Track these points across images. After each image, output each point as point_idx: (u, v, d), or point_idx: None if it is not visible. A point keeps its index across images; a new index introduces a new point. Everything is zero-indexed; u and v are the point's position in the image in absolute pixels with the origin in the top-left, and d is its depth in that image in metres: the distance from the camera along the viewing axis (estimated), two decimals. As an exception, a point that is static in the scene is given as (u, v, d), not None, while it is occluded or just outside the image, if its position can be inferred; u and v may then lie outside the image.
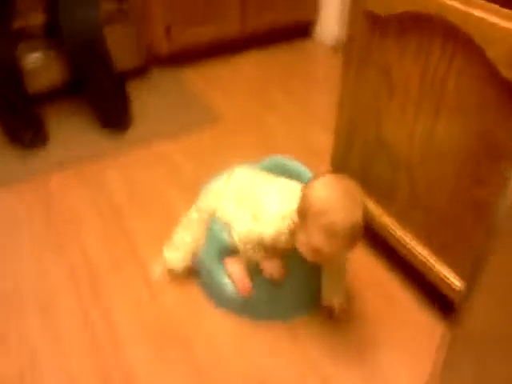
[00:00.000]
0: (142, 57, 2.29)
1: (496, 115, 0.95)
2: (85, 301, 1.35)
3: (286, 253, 1.17)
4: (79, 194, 1.71)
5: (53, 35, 1.95)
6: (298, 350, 1.24)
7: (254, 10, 2.45)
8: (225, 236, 1.23)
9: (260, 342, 1.26)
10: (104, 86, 1.95)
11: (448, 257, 1.18)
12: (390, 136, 1.23)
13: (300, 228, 1.05)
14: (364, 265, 1.45)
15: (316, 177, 1.06)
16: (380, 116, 1.24)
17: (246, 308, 1.30)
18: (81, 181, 1.76)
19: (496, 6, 0.89)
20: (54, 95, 2.09)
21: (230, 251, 1.24)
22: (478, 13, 0.91)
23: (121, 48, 2.07)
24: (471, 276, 1.07)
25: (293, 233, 1.09)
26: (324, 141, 1.83)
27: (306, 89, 2.37)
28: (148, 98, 2.20)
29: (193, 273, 1.39)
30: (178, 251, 1.35)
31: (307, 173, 1.33)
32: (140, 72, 2.32)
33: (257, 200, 1.20)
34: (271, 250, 1.17)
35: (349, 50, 1.28)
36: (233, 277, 1.27)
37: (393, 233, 1.31)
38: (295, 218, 1.06)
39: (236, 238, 1.18)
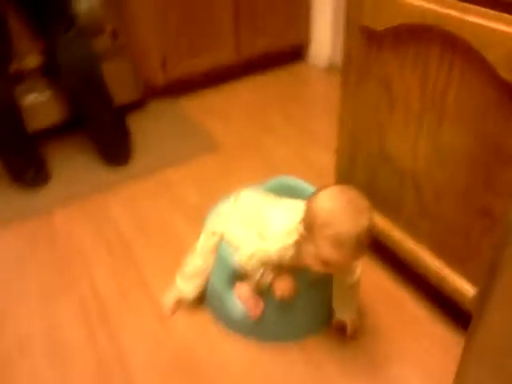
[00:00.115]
0: (140, 90, 2.31)
1: (500, 119, 0.94)
2: (95, 334, 1.33)
3: (294, 271, 1.16)
4: (84, 228, 1.70)
5: (50, 74, 1.97)
6: (311, 368, 1.22)
7: (247, 37, 2.48)
8: (233, 260, 1.21)
9: (273, 363, 1.24)
10: (104, 121, 1.96)
11: (460, 266, 1.17)
12: (393, 148, 1.23)
13: (306, 240, 1.05)
14: (374, 279, 1.44)
15: (320, 189, 1.06)
16: (382, 129, 1.24)
17: (258, 330, 1.28)
18: (85, 216, 1.76)
19: (492, 11, 0.89)
20: (55, 132, 2.11)
21: (239, 275, 1.23)
22: (474, 19, 0.92)
23: (118, 82, 2.09)
24: (485, 286, 1.05)
25: (299, 247, 1.09)
26: (326, 159, 1.83)
27: (303, 110, 2.39)
28: (147, 130, 2.21)
29: (203, 298, 1.37)
30: (190, 278, 1.34)
31: (312, 190, 1.32)
32: (138, 105, 2.34)
33: (262, 220, 1.20)
34: (279, 268, 1.16)
35: (346, 65, 1.29)
36: (242, 299, 1.25)
37: (403, 245, 1.30)
38: (301, 230, 1.06)
39: (243, 261, 1.17)
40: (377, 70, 1.20)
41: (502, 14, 0.88)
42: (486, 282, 1.03)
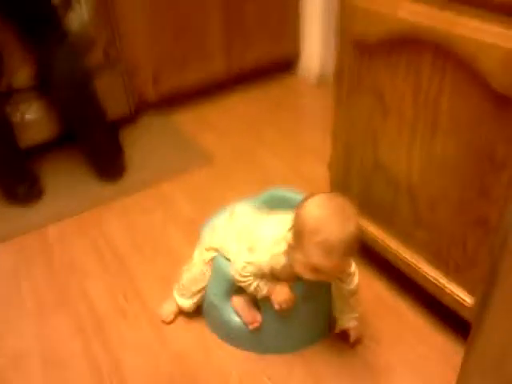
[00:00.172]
0: (132, 104, 2.31)
1: (493, 127, 0.96)
2: (91, 349, 1.32)
3: (291, 281, 1.16)
4: (79, 243, 1.69)
5: (42, 89, 1.97)
6: (310, 380, 1.22)
7: (237, 50, 2.50)
8: (230, 273, 1.22)
9: (272, 375, 1.24)
10: (96, 136, 1.96)
11: (457, 275, 1.17)
12: (387, 158, 1.24)
13: (296, 249, 1.06)
14: (372, 289, 1.44)
15: (307, 197, 1.07)
16: (376, 139, 1.25)
17: (256, 343, 1.28)
18: (79, 231, 1.75)
19: (479, 24, 0.90)
20: (47, 148, 2.10)
21: (236, 287, 1.23)
22: (462, 31, 0.93)
23: (110, 97, 2.09)
24: (483, 294, 1.06)
25: (289, 256, 1.10)
26: (319, 170, 1.84)
27: (294, 122, 2.40)
28: (140, 144, 2.21)
29: (200, 310, 1.37)
30: (186, 291, 1.33)
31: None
32: (130, 119, 2.34)
33: (253, 234, 1.21)
34: (274, 279, 1.16)
35: (339, 76, 1.30)
36: (239, 311, 1.25)
37: (399, 255, 1.31)
38: (290, 239, 1.08)
39: (236, 275, 1.17)
40: (369, 79, 1.21)
41: (489, 26, 0.89)
42: (485, 291, 1.04)
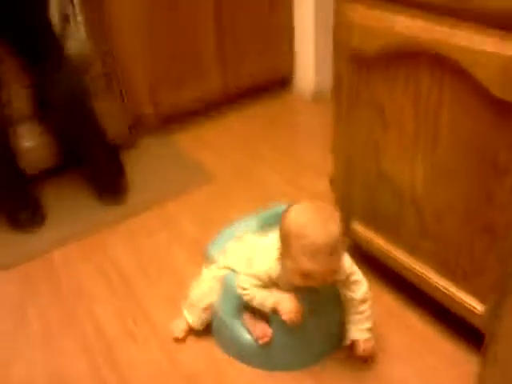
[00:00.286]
0: (130, 126, 2.32)
1: (494, 134, 0.97)
2: (100, 373, 1.31)
3: (290, 289, 1.17)
4: (84, 268, 1.68)
5: (41, 111, 1.98)
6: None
7: (233, 69, 2.52)
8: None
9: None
10: (97, 158, 1.97)
11: (466, 284, 1.17)
12: (390, 169, 1.25)
13: (285, 257, 1.10)
14: (381, 301, 1.43)
15: (290, 205, 1.12)
16: (378, 151, 1.26)
17: (267, 359, 1.27)
18: (84, 255, 1.74)
19: (476, 34, 0.92)
20: (49, 172, 2.10)
21: (246, 304, 1.23)
22: (460, 41, 0.94)
23: (109, 119, 2.10)
24: (496, 303, 1.06)
25: (281, 264, 1.13)
26: (319, 185, 1.85)
27: (292, 138, 2.42)
28: (140, 166, 2.22)
29: (209, 328, 1.37)
30: (195, 308, 1.34)
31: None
32: (129, 141, 2.35)
33: (253, 252, 1.23)
34: (274, 288, 1.17)
35: (337, 90, 1.31)
36: (249, 327, 1.25)
37: (406, 266, 1.31)
38: (279, 247, 1.12)
39: (239, 290, 1.19)
40: (368, 93, 1.22)
41: (486, 36, 0.90)
42: (497, 300, 1.04)
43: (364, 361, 1.26)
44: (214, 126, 2.53)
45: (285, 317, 1.15)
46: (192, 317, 1.35)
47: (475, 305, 1.15)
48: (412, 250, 1.29)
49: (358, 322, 1.22)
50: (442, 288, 1.22)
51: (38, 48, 1.81)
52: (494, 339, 1.06)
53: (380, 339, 1.33)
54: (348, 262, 1.18)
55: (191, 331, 1.38)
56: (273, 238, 1.18)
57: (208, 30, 2.38)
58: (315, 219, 1.06)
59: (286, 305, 1.16)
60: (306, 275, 1.07)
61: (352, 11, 1.17)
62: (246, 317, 1.26)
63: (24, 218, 1.86)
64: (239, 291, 1.20)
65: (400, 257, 1.32)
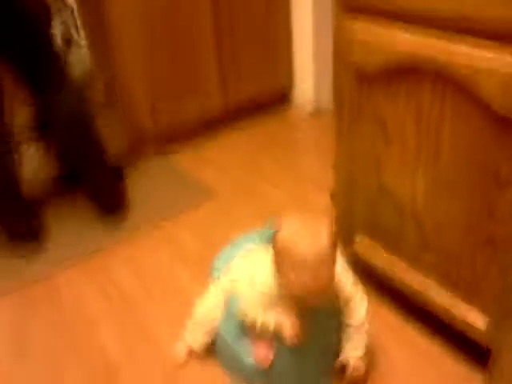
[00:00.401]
0: (131, 144, 2.34)
1: (495, 148, 0.97)
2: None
3: (300, 314, 1.15)
4: (87, 289, 1.68)
5: (42, 132, 1.99)
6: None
7: (233, 85, 2.55)
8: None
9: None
10: (98, 175, 1.97)
11: (468, 297, 1.17)
12: (391, 184, 1.25)
13: (277, 272, 1.09)
14: (381, 317, 1.43)
15: (280, 220, 1.10)
16: (379, 165, 1.27)
17: (269, 380, 1.25)
18: (87, 277, 1.73)
19: (476, 50, 0.93)
20: (50, 194, 2.11)
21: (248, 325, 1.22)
22: (460, 57, 0.96)
23: (110, 138, 2.11)
24: (500, 317, 1.05)
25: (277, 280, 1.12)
26: (320, 199, 1.87)
27: (292, 154, 2.43)
28: (141, 184, 2.22)
29: (212, 350, 1.36)
30: (198, 326, 1.33)
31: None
32: (130, 159, 2.36)
33: (255, 266, 1.22)
34: (280, 307, 1.16)
35: (338, 106, 1.32)
36: (250, 348, 1.24)
37: (407, 280, 1.30)
38: (273, 264, 1.10)
39: (242, 313, 1.18)
40: (369, 108, 1.23)
41: (486, 52, 0.92)
42: (501, 315, 1.04)
43: (350, 381, 1.24)
44: (215, 142, 2.54)
45: (286, 335, 1.15)
46: (195, 337, 1.34)
47: (477, 319, 1.15)
48: (413, 263, 1.28)
49: (351, 346, 1.21)
50: (443, 302, 1.22)
51: (40, 69, 1.82)
52: (499, 355, 1.05)
53: (381, 354, 1.32)
54: (349, 285, 1.18)
55: (195, 353, 1.36)
56: (268, 255, 1.16)
57: (208, 48, 2.41)
58: (304, 233, 1.04)
59: (287, 323, 1.15)
60: (297, 290, 1.06)
61: (352, 28, 1.18)
62: (248, 338, 1.25)
63: (26, 241, 1.86)
64: (242, 317, 1.18)
65: (401, 270, 1.32)
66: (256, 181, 2.19)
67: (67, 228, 1.98)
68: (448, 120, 1.04)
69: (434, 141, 1.09)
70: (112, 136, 2.16)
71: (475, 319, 1.15)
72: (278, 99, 2.83)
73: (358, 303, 1.19)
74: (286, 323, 1.14)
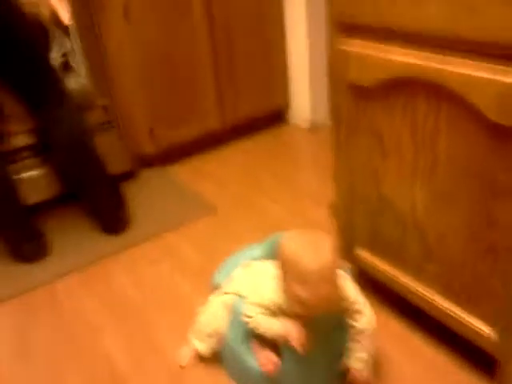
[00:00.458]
0: (130, 160, 2.37)
1: (491, 157, 0.99)
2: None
3: (307, 323, 1.17)
4: (88, 299, 1.69)
5: (42, 149, 2.01)
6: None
7: (230, 104, 2.60)
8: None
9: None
10: (98, 193, 1.99)
11: (472, 306, 1.18)
12: (391, 196, 1.27)
13: (285, 288, 1.11)
14: (387, 327, 1.44)
15: (284, 235, 1.13)
16: (378, 178, 1.29)
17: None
18: (88, 287, 1.75)
19: (470, 61, 0.96)
20: (51, 205, 2.13)
21: (253, 332, 1.23)
22: (454, 69, 0.98)
23: (109, 154, 2.12)
24: (506, 326, 1.06)
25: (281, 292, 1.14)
26: (318, 213, 1.89)
27: (290, 169, 2.46)
28: (141, 198, 2.25)
29: (218, 357, 1.37)
30: (202, 333, 1.35)
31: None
32: (130, 175, 2.39)
33: (260, 277, 1.25)
34: (285, 316, 1.17)
35: (336, 120, 1.34)
36: (255, 354, 1.25)
37: (411, 290, 1.32)
38: (278, 277, 1.12)
39: (244, 319, 1.20)
40: (367, 121, 1.25)
41: (480, 63, 0.94)
42: (508, 324, 1.04)
43: None
44: (213, 158, 2.58)
45: (294, 343, 1.15)
46: (200, 343, 1.36)
47: (482, 327, 1.16)
48: (417, 274, 1.30)
49: (355, 350, 1.22)
50: (448, 311, 1.23)
51: (39, 90, 1.86)
52: (509, 365, 1.06)
53: (387, 364, 1.33)
54: (352, 291, 1.19)
55: (200, 359, 1.38)
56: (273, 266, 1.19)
57: (205, 69, 2.46)
58: (308, 248, 1.07)
59: (294, 332, 1.16)
60: (301, 303, 1.08)
61: (348, 46, 1.21)
62: (254, 344, 1.27)
63: (27, 250, 1.88)
64: (244, 319, 1.20)
65: (404, 281, 1.33)
66: (255, 195, 2.22)
67: (69, 238, 2.00)
68: (444, 132, 1.07)
69: (430, 153, 1.12)
70: (111, 151, 2.18)
71: (480, 328, 1.16)
72: (275, 116, 2.88)
73: (362, 307, 1.20)
74: (292, 332, 1.15)
